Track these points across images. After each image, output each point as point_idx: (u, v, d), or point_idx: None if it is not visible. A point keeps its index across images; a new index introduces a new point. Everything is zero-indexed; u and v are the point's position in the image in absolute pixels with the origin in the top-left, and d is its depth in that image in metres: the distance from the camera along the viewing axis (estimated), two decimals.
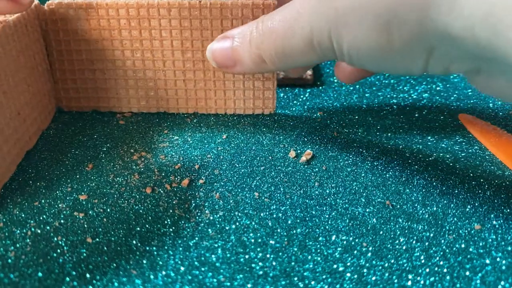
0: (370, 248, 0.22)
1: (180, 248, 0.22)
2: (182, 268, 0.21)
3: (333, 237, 0.22)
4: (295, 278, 0.20)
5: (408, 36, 0.20)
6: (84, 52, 0.30)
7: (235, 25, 0.29)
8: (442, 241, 0.22)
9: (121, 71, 0.31)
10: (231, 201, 0.25)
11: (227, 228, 0.23)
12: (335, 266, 0.21)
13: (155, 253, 0.21)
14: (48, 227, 0.23)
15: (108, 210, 0.24)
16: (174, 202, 0.24)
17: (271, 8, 0.28)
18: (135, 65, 0.31)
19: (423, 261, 0.21)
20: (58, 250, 0.21)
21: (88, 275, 0.20)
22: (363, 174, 0.26)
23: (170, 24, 0.29)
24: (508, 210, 0.24)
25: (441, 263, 0.21)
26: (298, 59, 0.24)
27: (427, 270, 0.20)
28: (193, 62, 0.30)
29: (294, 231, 0.23)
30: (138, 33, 0.30)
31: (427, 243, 0.22)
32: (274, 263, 0.21)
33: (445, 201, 0.24)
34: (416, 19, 0.19)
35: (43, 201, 0.24)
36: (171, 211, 0.24)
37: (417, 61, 0.21)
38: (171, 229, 0.23)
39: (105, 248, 0.22)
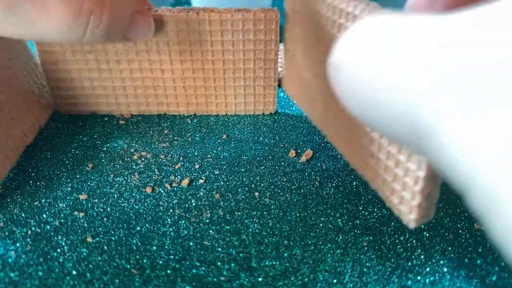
0: (370, 247, 0.22)
1: (180, 248, 0.22)
2: (183, 268, 0.21)
3: (333, 236, 0.22)
4: (296, 278, 0.20)
5: None
6: (80, 62, 0.29)
7: (236, 37, 0.28)
8: (442, 240, 0.22)
9: (119, 79, 0.30)
10: (231, 201, 0.25)
11: (227, 227, 0.23)
12: (335, 265, 0.21)
13: (155, 253, 0.21)
14: (48, 227, 0.23)
15: (108, 209, 0.24)
16: (174, 202, 0.24)
17: (273, 21, 0.27)
18: (132, 74, 0.30)
19: (423, 260, 0.21)
20: (58, 250, 0.21)
21: (88, 275, 0.20)
22: None
23: (167, 35, 0.28)
24: None
25: (441, 262, 0.21)
26: None
27: (427, 269, 0.20)
28: (193, 70, 0.30)
29: (295, 231, 0.23)
30: (133, 44, 0.28)
31: (427, 242, 0.22)
32: (274, 263, 0.21)
33: (445, 201, 0.24)
34: None
35: (43, 200, 0.24)
36: (171, 211, 0.24)
37: None
38: (171, 229, 0.23)
39: (105, 247, 0.22)
